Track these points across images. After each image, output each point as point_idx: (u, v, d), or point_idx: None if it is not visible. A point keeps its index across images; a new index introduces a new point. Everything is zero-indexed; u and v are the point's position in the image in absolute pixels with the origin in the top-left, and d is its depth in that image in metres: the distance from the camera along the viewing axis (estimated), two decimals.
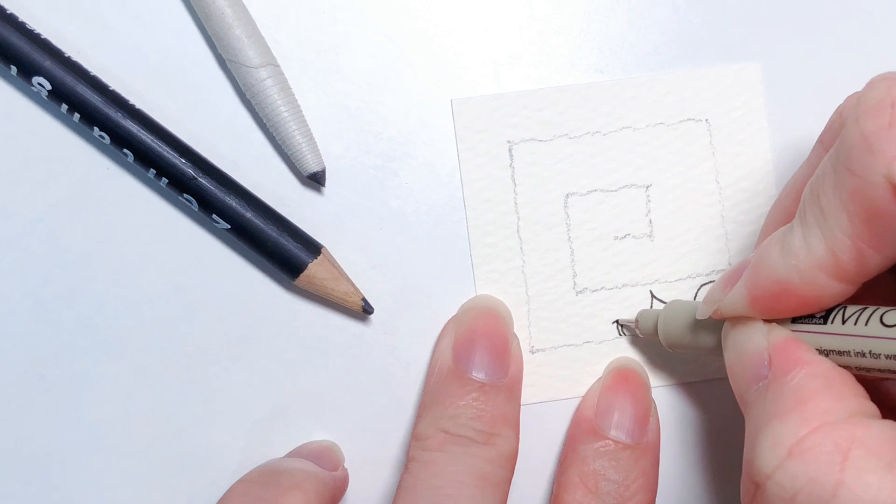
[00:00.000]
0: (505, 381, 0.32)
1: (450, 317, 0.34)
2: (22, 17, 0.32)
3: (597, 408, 0.33)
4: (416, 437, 0.31)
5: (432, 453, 0.30)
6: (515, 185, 0.34)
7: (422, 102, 0.34)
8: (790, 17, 0.35)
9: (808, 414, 0.23)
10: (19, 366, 0.33)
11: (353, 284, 0.33)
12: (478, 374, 0.31)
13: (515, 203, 0.34)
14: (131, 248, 0.33)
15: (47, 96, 0.32)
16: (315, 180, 0.33)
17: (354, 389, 0.34)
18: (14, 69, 0.32)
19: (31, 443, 0.33)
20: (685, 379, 0.34)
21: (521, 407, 0.33)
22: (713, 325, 0.29)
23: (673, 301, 0.32)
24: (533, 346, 0.34)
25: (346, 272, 0.33)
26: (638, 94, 0.34)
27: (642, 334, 0.33)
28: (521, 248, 0.34)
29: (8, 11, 0.32)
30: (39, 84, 0.32)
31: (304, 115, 0.33)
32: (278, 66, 0.33)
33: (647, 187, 0.34)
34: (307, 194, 0.34)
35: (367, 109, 0.34)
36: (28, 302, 0.33)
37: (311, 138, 0.33)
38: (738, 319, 0.27)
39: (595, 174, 0.34)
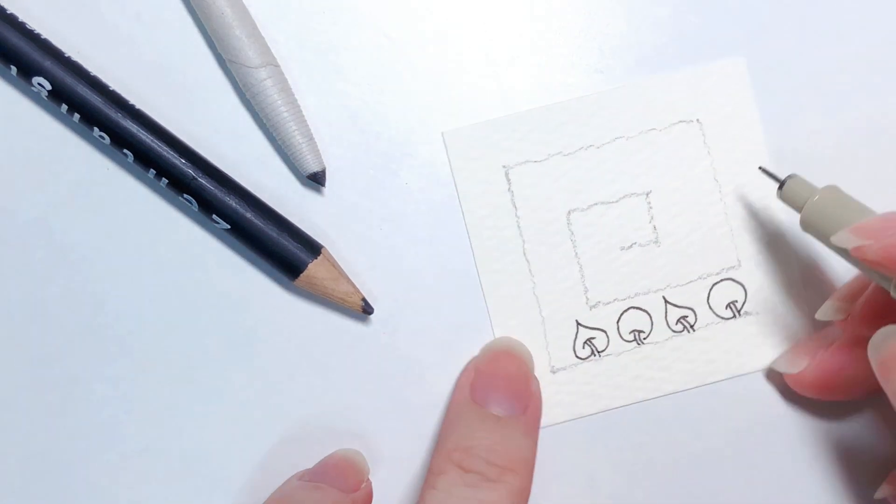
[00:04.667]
0: (523, 418, 0.32)
1: (450, 316, 0.34)
2: (22, 17, 0.32)
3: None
4: (430, 471, 0.31)
5: (439, 494, 0.30)
6: (516, 208, 0.34)
7: (422, 102, 0.34)
8: (789, 16, 0.35)
9: None
10: (19, 366, 0.33)
11: (353, 284, 0.33)
12: (496, 410, 0.31)
13: (518, 226, 0.34)
14: (131, 248, 0.33)
15: (47, 96, 0.32)
16: (315, 180, 0.33)
17: (354, 389, 0.34)
18: (14, 69, 0.32)
19: (31, 443, 0.33)
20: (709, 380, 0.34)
21: (549, 427, 0.33)
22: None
23: (831, 189, 0.30)
24: (553, 366, 0.34)
25: (346, 272, 0.33)
26: (627, 101, 0.34)
27: (783, 200, 0.31)
28: (530, 270, 0.34)
29: (8, 11, 0.32)
30: (39, 84, 0.32)
31: (304, 115, 0.33)
32: (278, 66, 0.33)
33: (647, 194, 0.34)
34: (307, 194, 0.34)
35: (367, 109, 0.34)
36: (28, 302, 0.33)
37: (311, 138, 0.33)
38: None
39: (594, 187, 0.34)
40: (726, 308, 0.34)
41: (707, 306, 0.34)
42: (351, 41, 0.34)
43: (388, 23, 0.34)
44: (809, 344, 0.33)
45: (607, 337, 0.34)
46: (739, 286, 0.34)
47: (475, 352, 0.34)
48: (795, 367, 0.33)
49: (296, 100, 0.33)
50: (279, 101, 0.32)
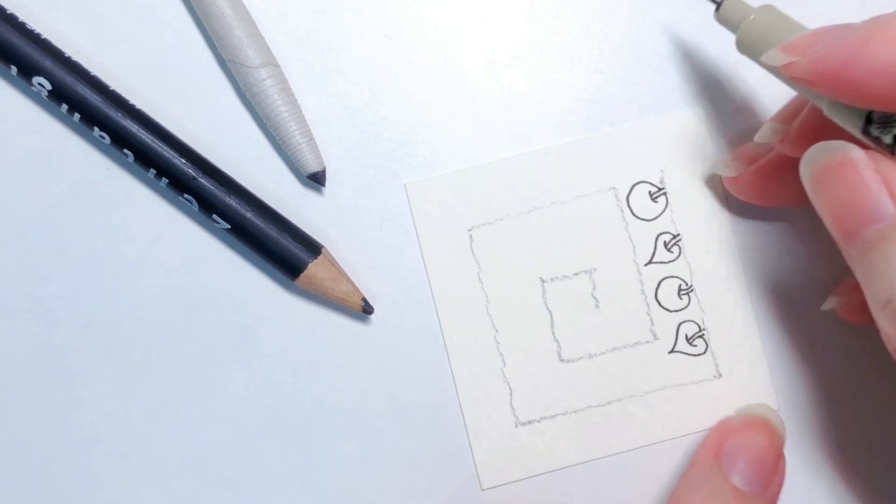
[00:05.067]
0: (764, 497, 0.31)
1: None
2: (22, 17, 0.32)
3: (723, 449, 0.32)
4: None
5: None
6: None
7: (422, 102, 0.34)
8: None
9: None
10: (19, 366, 0.33)
11: (353, 284, 0.33)
12: (739, 482, 0.31)
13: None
14: (131, 248, 0.33)
15: (47, 96, 0.32)
16: (315, 180, 0.33)
17: (354, 389, 0.34)
18: (14, 69, 0.32)
19: (31, 443, 0.33)
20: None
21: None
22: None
23: (767, 9, 0.29)
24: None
25: (346, 272, 0.33)
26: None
27: (720, 21, 0.30)
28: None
29: (8, 11, 0.32)
30: (39, 84, 0.32)
31: (304, 115, 0.33)
32: (278, 66, 0.33)
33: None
34: (307, 194, 0.34)
35: (367, 109, 0.34)
36: (28, 302, 0.33)
37: (311, 138, 0.33)
38: (839, 161, 0.25)
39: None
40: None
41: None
42: (351, 41, 0.34)
43: (388, 23, 0.34)
44: (749, 150, 0.33)
45: (697, 329, 0.34)
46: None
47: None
48: (734, 171, 0.33)
49: (296, 100, 0.33)
50: (279, 101, 0.32)
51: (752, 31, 0.29)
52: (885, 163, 0.25)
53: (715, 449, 0.32)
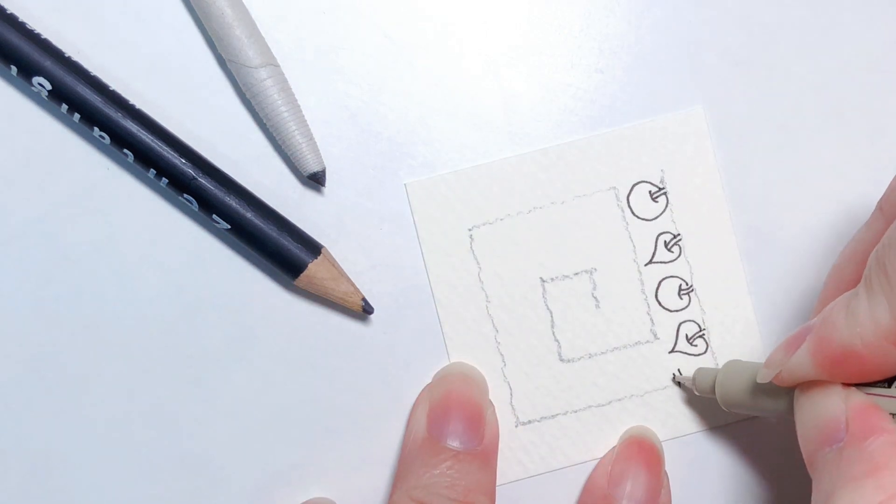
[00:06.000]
0: (479, 449, 0.31)
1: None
2: (22, 17, 0.32)
3: (610, 476, 0.33)
4: None
5: None
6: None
7: (422, 102, 0.34)
8: (786, 24, 0.35)
9: (884, 481, 0.23)
10: (19, 366, 0.33)
11: (353, 284, 0.33)
12: (452, 443, 0.31)
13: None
14: (131, 248, 0.33)
15: (47, 96, 0.32)
16: (315, 180, 0.33)
17: (354, 389, 0.34)
18: (14, 69, 0.32)
19: (31, 443, 0.33)
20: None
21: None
22: (773, 389, 0.29)
23: (731, 361, 0.32)
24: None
25: (346, 272, 0.33)
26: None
27: (699, 392, 0.33)
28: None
29: (8, 11, 0.32)
30: (39, 84, 0.32)
31: (304, 115, 0.33)
32: (278, 66, 0.33)
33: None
34: (307, 194, 0.34)
35: (367, 109, 0.34)
36: (28, 302, 0.33)
37: (311, 138, 0.33)
38: (814, 382, 0.26)
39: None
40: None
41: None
42: (351, 41, 0.34)
43: (388, 23, 0.34)
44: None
45: (701, 330, 0.34)
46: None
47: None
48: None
49: (296, 100, 0.33)
50: (279, 101, 0.32)
51: (728, 384, 0.31)
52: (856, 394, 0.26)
53: (422, 420, 0.32)
